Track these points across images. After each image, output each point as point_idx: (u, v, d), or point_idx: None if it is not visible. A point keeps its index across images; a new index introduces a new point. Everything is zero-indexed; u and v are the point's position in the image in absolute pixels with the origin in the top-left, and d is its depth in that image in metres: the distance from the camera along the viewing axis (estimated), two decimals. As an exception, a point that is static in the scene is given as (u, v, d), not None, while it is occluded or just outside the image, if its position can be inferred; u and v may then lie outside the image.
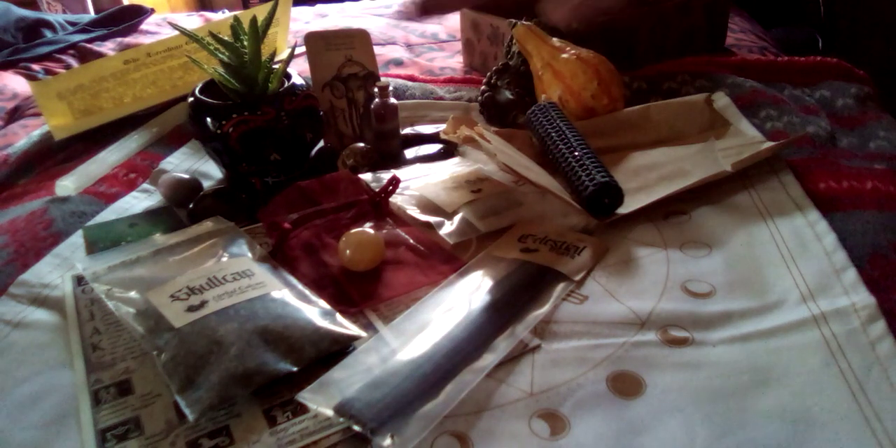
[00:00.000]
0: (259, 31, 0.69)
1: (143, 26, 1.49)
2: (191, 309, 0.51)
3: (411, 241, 0.64)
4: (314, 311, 0.52)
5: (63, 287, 0.60)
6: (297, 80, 0.74)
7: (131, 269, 0.59)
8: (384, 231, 0.65)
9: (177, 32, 0.76)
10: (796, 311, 0.52)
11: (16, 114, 1.07)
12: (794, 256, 0.59)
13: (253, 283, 0.54)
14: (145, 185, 0.79)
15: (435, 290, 0.57)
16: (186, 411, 0.44)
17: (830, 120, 0.83)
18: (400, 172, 0.74)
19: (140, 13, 1.49)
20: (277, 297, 0.53)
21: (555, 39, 0.87)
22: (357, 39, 0.86)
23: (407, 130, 0.87)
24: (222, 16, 1.58)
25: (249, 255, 0.60)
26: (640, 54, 1.01)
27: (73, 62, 1.28)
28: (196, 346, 0.48)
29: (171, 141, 0.90)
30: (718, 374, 0.47)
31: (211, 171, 0.82)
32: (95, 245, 0.66)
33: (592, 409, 0.45)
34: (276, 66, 0.73)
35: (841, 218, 0.62)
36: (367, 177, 0.74)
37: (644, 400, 0.45)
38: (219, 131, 0.68)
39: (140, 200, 0.76)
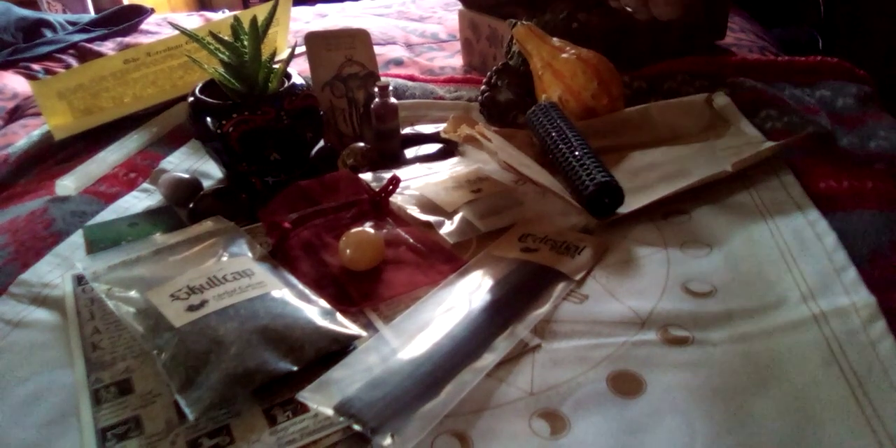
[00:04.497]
0: (259, 31, 0.69)
1: (143, 26, 1.49)
2: (191, 308, 0.51)
3: (411, 240, 0.64)
4: (314, 311, 0.52)
5: (63, 287, 0.60)
6: (297, 79, 0.74)
7: (131, 269, 0.59)
8: (384, 231, 0.65)
9: (177, 32, 0.76)
10: (797, 310, 0.52)
11: (16, 114, 1.07)
12: (795, 256, 0.59)
13: (253, 283, 0.54)
14: (145, 185, 0.79)
15: (435, 289, 0.57)
16: (186, 411, 0.44)
17: (830, 120, 0.83)
18: (400, 172, 0.74)
19: (140, 13, 1.49)
20: (277, 296, 0.53)
21: (555, 39, 0.87)
22: (357, 39, 0.86)
23: (407, 130, 0.87)
24: (222, 16, 1.58)
25: (249, 254, 0.60)
26: (640, 48, 1.01)
27: (73, 62, 1.27)
28: (196, 346, 0.48)
29: (171, 141, 0.90)
30: (718, 374, 0.47)
31: (211, 171, 0.82)
32: (95, 245, 0.66)
33: (592, 409, 0.45)
34: (276, 66, 0.73)
35: (841, 218, 0.62)
36: (367, 176, 0.74)
37: (644, 399, 0.45)
38: (219, 131, 0.68)
39: (140, 200, 0.76)
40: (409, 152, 0.84)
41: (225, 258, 0.59)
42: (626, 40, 0.99)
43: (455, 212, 0.67)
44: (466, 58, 1.20)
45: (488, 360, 0.48)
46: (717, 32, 1.16)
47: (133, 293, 0.55)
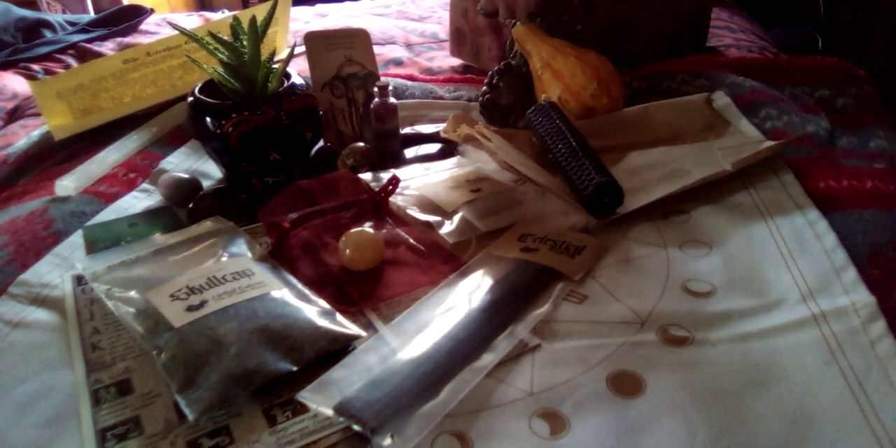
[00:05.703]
0: (258, 31, 0.69)
1: (143, 26, 1.49)
2: (191, 308, 0.51)
3: (411, 240, 0.64)
4: (314, 311, 0.52)
5: (63, 287, 0.60)
6: (296, 79, 0.74)
7: (131, 269, 0.59)
8: (384, 231, 0.65)
9: (176, 32, 0.76)
10: (796, 310, 0.52)
11: (16, 114, 1.07)
12: (794, 256, 0.59)
13: (253, 283, 0.54)
14: (145, 185, 0.79)
15: (435, 289, 0.57)
16: (186, 411, 0.44)
17: (830, 119, 0.83)
18: (400, 172, 0.74)
19: (140, 13, 1.49)
20: (277, 296, 0.53)
21: (554, 39, 0.86)
22: (357, 39, 0.86)
23: (407, 130, 0.87)
24: (222, 16, 1.58)
25: (249, 254, 0.60)
26: (633, 49, 1.01)
27: (73, 62, 1.27)
28: (196, 346, 0.48)
29: (171, 141, 0.90)
30: (718, 374, 0.47)
31: (211, 171, 0.82)
32: (95, 245, 0.66)
33: (592, 409, 0.45)
34: (275, 66, 0.73)
35: (841, 217, 0.62)
36: (366, 176, 0.74)
37: (644, 400, 0.45)
38: (218, 131, 0.68)
39: (140, 200, 0.76)
40: (409, 152, 0.84)
41: (224, 258, 0.59)
42: (619, 42, 0.99)
43: (455, 212, 0.67)
44: (455, 49, 1.14)
45: (488, 360, 0.48)
46: (700, 39, 1.15)
47: (133, 293, 0.55)
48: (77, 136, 0.90)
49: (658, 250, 0.61)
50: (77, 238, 0.68)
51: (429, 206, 0.69)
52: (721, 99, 0.88)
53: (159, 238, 0.64)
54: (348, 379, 0.46)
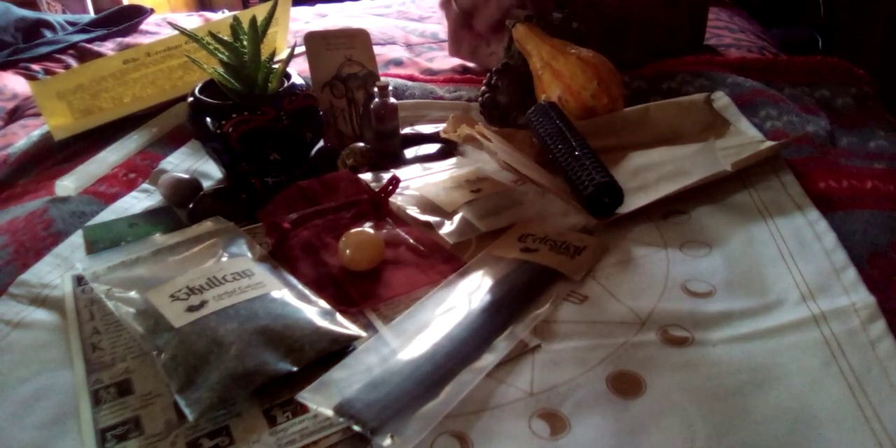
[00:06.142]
0: (259, 31, 0.69)
1: (143, 26, 1.49)
2: (191, 309, 0.51)
3: (411, 240, 0.64)
4: (314, 311, 0.52)
5: (63, 287, 0.60)
6: (296, 79, 0.74)
7: (131, 269, 0.59)
8: (384, 231, 0.65)
9: (176, 32, 0.76)
10: (796, 310, 0.52)
11: (16, 114, 1.07)
12: (794, 256, 0.59)
13: (253, 283, 0.54)
14: (145, 185, 0.79)
15: (435, 289, 0.57)
16: (186, 411, 0.44)
17: (830, 120, 0.83)
18: (400, 172, 0.74)
19: (140, 13, 1.49)
20: (277, 296, 0.53)
21: (554, 39, 0.86)
22: (357, 39, 0.86)
23: (407, 130, 0.87)
24: (222, 16, 1.58)
25: (249, 255, 0.60)
26: (631, 49, 1.01)
27: (73, 62, 1.27)
28: (196, 346, 0.48)
29: (171, 141, 0.90)
30: (718, 374, 0.47)
31: (211, 171, 0.82)
32: (95, 245, 0.66)
33: (592, 409, 0.45)
34: (275, 66, 0.73)
35: (841, 217, 0.62)
36: (367, 177, 0.74)
37: (644, 400, 0.45)
38: (219, 131, 0.68)
39: (140, 200, 0.76)
40: (409, 152, 0.84)
41: (225, 258, 0.59)
42: (617, 40, 0.99)
43: (455, 212, 0.67)
44: (454, 47, 1.15)
45: (488, 360, 0.48)
46: (698, 37, 1.15)
47: (133, 294, 0.55)
48: (77, 136, 0.90)
49: (658, 250, 0.61)
50: (77, 238, 0.68)
51: (429, 206, 0.69)
52: (721, 99, 0.88)
53: (159, 238, 0.64)
54: (348, 379, 0.46)
